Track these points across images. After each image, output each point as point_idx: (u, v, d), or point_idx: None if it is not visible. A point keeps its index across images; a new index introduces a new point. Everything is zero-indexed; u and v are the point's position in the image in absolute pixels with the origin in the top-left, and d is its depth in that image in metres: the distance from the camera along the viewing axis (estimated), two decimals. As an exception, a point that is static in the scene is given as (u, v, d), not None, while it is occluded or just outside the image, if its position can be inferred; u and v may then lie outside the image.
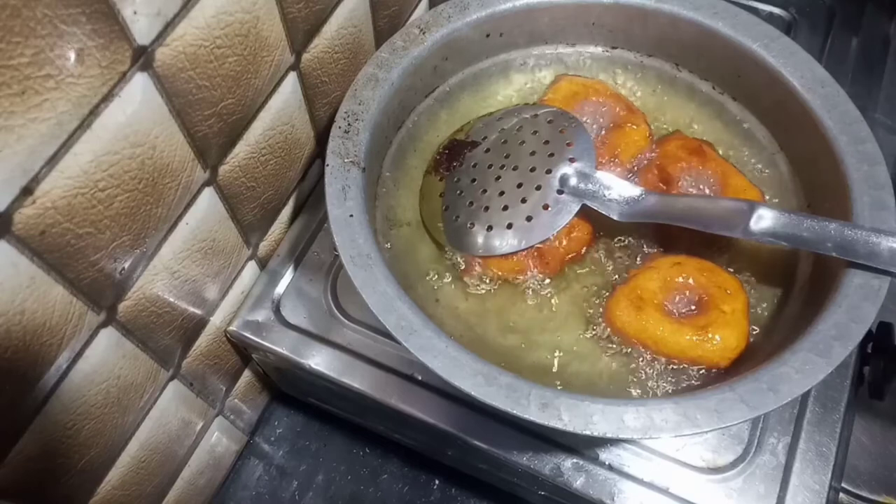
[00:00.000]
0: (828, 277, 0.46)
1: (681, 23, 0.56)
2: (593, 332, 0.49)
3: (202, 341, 0.54)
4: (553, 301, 0.50)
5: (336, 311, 0.55)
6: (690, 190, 0.52)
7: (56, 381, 0.39)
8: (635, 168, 0.55)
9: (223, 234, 0.51)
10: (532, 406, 0.40)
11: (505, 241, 0.49)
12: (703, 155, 0.54)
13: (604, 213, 0.49)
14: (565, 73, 0.59)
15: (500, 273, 0.50)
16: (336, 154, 0.48)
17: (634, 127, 0.55)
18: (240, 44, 0.44)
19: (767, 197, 0.53)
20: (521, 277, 0.51)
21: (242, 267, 0.55)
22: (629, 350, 0.48)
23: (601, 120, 0.56)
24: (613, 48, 0.60)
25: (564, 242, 0.50)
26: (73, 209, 0.36)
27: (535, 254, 0.50)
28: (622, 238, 0.52)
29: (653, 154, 0.55)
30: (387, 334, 0.42)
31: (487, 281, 0.51)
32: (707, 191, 0.53)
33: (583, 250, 0.51)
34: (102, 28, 0.33)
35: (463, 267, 0.51)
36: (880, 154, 0.48)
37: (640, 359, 0.48)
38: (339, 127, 0.50)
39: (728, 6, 0.55)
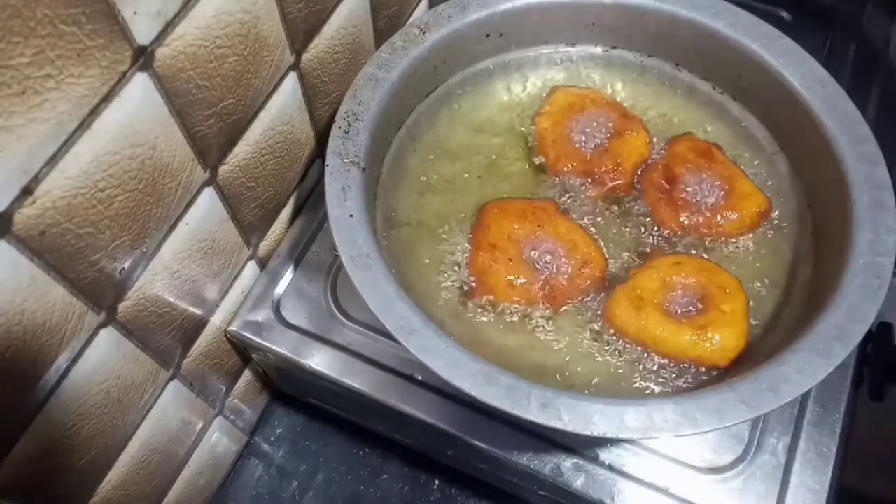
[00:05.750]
0: (828, 278, 0.46)
1: (681, 23, 0.56)
2: (593, 332, 0.49)
3: (202, 341, 0.54)
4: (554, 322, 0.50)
5: (336, 311, 0.55)
6: (695, 191, 0.53)
7: (56, 382, 0.39)
8: (640, 172, 0.55)
9: (223, 234, 0.51)
10: (532, 406, 0.40)
11: None
12: (711, 157, 0.54)
13: None
14: (560, 85, 0.59)
15: (504, 303, 0.50)
16: (336, 154, 0.48)
17: (634, 133, 0.55)
18: (240, 44, 0.44)
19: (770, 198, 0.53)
20: (526, 309, 0.50)
21: (242, 267, 0.55)
22: (629, 350, 0.48)
23: (600, 130, 0.56)
24: (613, 48, 0.60)
25: (575, 278, 0.50)
26: (73, 209, 0.36)
27: (544, 287, 0.50)
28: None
29: (658, 157, 0.55)
30: (387, 334, 0.42)
31: (490, 308, 0.50)
32: (712, 193, 0.53)
33: (592, 289, 0.50)
34: (102, 28, 0.33)
35: (468, 290, 0.50)
36: (880, 154, 0.48)
37: (640, 358, 0.48)
38: (339, 127, 0.50)
39: (728, 6, 0.55)
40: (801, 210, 0.52)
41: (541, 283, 0.49)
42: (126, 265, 0.41)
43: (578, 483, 0.49)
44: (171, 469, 0.56)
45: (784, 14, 0.72)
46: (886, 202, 0.46)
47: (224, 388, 0.61)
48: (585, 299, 0.50)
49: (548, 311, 0.49)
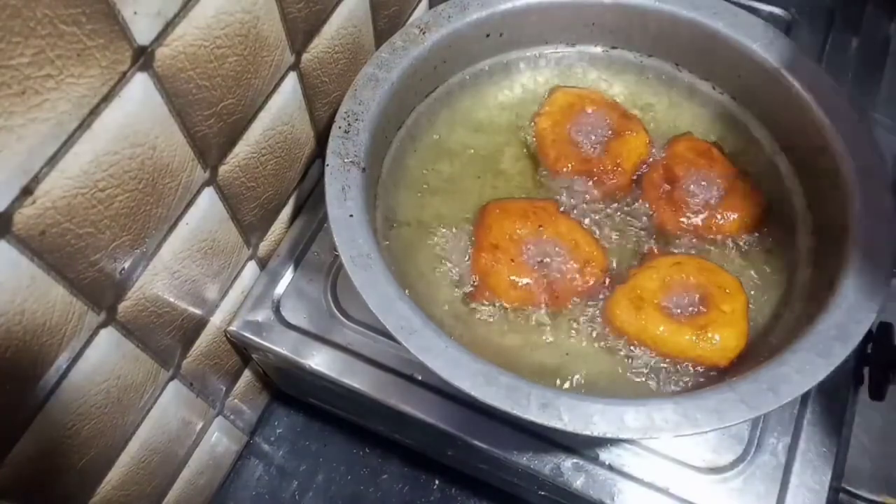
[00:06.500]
0: (827, 278, 0.46)
1: (681, 23, 0.56)
2: (594, 332, 0.49)
3: (202, 341, 0.54)
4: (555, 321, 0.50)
5: (336, 311, 0.55)
6: (695, 191, 0.53)
7: (56, 382, 0.39)
8: (640, 172, 0.55)
9: (223, 234, 0.51)
10: (532, 406, 0.40)
11: None
12: (711, 157, 0.54)
13: None
14: (560, 85, 0.59)
15: (507, 304, 0.50)
16: (336, 154, 0.48)
17: (633, 134, 0.55)
18: (240, 44, 0.44)
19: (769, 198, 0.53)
20: (527, 308, 0.50)
21: (242, 267, 0.55)
22: (629, 350, 0.48)
23: (600, 130, 0.56)
24: (613, 48, 0.60)
25: (578, 277, 0.50)
26: (73, 209, 0.36)
27: (547, 287, 0.50)
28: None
29: (657, 157, 0.55)
30: (387, 334, 0.42)
31: (491, 308, 0.50)
32: (712, 193, 0.53)
33: (593, 289, 0.50)
34: (102, 28, 0.33)
35: (469, 290, 0.50)
36: (880, 154, 0.48)
37: (640, 358, 0.48)
38: (339, 127, 0.50)
39: (728, 6, 0.55)
40: (801, 210, 0.52)
41: (542, 282, 0.49)
42: (126, 265, 0.41)
43: (578, 483, 0.49)
44: (171, 469, 0.56)
45: (784, 14, 0.72)
46: (886, 202, 0.46)
47: (224, 388, 0.61)
48: (586, 299, 0.50)
49: (549, 311, 0.49)
